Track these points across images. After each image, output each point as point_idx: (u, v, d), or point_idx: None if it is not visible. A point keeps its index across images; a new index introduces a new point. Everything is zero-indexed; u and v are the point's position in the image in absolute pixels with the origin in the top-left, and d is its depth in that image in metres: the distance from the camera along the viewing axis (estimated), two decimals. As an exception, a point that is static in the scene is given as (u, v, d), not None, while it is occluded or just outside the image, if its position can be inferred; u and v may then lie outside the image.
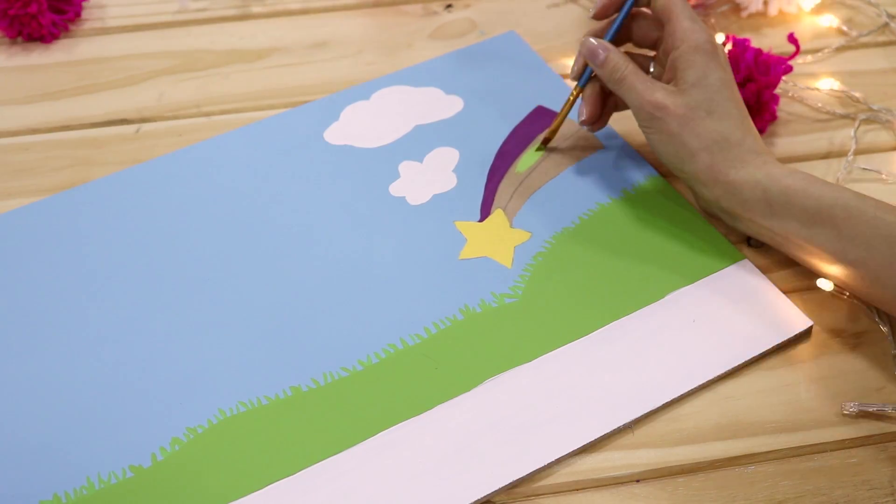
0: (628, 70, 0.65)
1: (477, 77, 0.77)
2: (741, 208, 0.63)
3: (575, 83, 0.69)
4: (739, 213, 0.63)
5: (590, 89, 0.69)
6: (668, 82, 0.65)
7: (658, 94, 0.64)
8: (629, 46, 0.70)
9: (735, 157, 0.62)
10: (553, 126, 0.70)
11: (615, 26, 0.68)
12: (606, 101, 0.69)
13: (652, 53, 0.70)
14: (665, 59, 0.67)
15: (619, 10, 0.68)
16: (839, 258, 0.60)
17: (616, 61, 0.66)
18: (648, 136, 0.65)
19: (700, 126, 0.63)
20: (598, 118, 0.69)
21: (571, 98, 0.69)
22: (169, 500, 0.55)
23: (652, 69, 0.69)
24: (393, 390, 0.59)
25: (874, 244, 0.58)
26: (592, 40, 0.67)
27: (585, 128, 0.69)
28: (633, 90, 0.65)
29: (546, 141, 0.71)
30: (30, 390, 0.60)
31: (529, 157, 0.71)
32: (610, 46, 0.66)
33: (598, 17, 0.68)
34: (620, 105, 0.70)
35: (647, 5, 0.68)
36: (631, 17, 0.69)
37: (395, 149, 0.72)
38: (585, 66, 0.68)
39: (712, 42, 0.64)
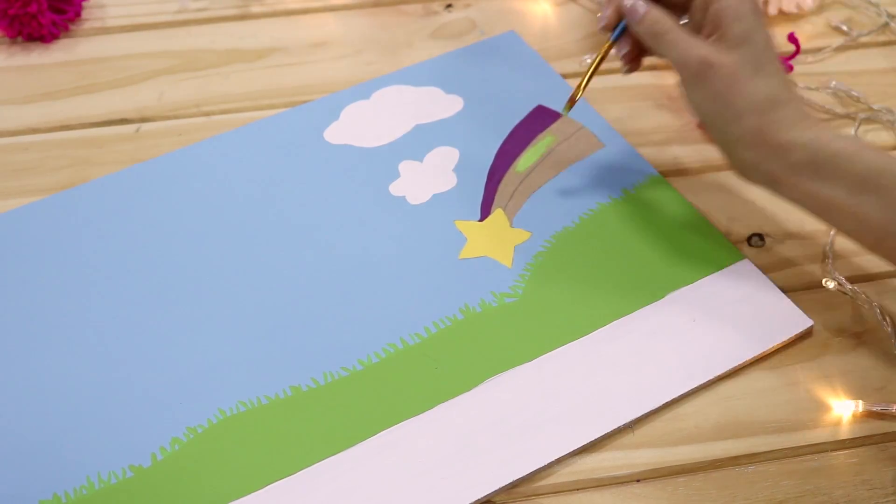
0: (668, 24, 0.62)
1: (477, 77, 0.77)
2: (786, 172, 0.59)
3: (605, 31, 0.66)
4: (783, 177, 0.60)
5: (623, 37, 0.66)
6: (708, 37, 0.62)
7: (703, 49, 0.61)
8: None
9: (783, 118, 0.59)
10: (582, 83, 0.67)
11: None
12: (641, 46, 0.66)
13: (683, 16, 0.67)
14: (700, 13, 0.64)
15: None
16: (884, 228, 0.57)
17: (656, 16, 0.63)
18: (690, 95, 0.62)
19: (748, 86, 0.60)
20: (635, 57, 0.67)
21: (603, 52, 0.66)
22: (169, 500, 0.55)
23: (683, 21, 0.65)
24: (393, 390, 0.59)
25: None
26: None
27: (624, 70, 0.67)
28: (675, 46, 0.62)
29: (572, 101, 0.67)
30: (30, 390, 0.60)
31: (529, 157, 0.71)
32: (649, 3, 0.64)
33: None
34: (649, 51, 0.67)
35: None
36: None
37: (395, 148, 0.72)
38: (618, 19, 0.66)
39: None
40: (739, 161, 0.62)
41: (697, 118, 0.64)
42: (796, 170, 0.59)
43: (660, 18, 0.63)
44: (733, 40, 0.60)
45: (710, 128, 0.63)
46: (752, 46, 0.60)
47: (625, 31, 0.66)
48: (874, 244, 0.59)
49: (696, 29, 0.64)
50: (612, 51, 0.66)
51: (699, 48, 0.61)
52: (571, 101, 0.68)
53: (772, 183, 0.61)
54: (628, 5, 0.64)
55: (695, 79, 0.61)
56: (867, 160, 0.57)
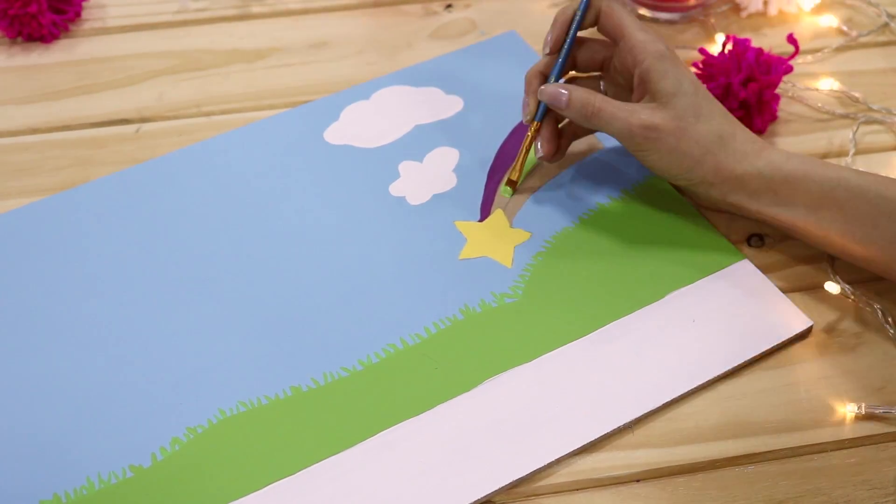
0: (599, 101, 0.64)
1: (477, 77, 0.77)
2: (748, 200, 0.63)
3: (531, 122, 0.67)
4: (747, 205, 0.63)
5: (544, 125, 0.67)
6: (639, 98, 0.64)
7: (642, 115, 0.62)
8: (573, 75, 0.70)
9: (735, 151, 0.62)
10: (517, 167, 0.68)
11: (561, 59, 0.67)
12: (563, 133, 0.69)
13: (597, 74, 0.69)
14: (620, 76, 0.67)
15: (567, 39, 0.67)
16: (847, 239, 0.60)
17: (582, 96, 0.64)
18: (644, 157, 0.64)
19: (695, 132, 0.62)
20: (556, 150, 0.68)
21: (530, 136, 0.67)
22: (169, 500, 0.55)
23: (602, 89, 0.68)
24: (393, 390, 0.59)
25: (879, 222, 0.59)
26: (549, 86, 0.66)
27: (545, 162, 0.68)
28: (614, 119, 0.63)
29: (512, 182, 0.68)
30: (30, 390, 0.60)
31: (531, 154, 0.71)
32: (568, 86, 0.65)
33: (553, 51, 0.67)
34: (580, 133, 0.70)
35: (592, 25, 0.67)
36: (574, 45, 0.68)
37: (395, 149, 0.72)
38: (538, 102, 0.67)
39: (671, 48, 0.64)
40: (706, 198, 0.65)
41: (655, 173, 0.66)
42: (756, 197, 0.62)
43: (587, 98, 0.64)
44: (665, 96, 0.63)
45: (672, 178, 0.65)
46: (684, 96, 0.63)
47: (546, 116, 0.67)
48: (841, 253, 0.62)
49: (617, 93, 0.67)
50: (533, 152, 0.68)
51: (637, 114, 0.63)
52: (513, 185, 0.69)
53: (738, 210, 0.64)
54: (549, 93, 0.66)
55: (644, 143, 0.63)
56: (820, 177, 0.61)
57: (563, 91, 0.65)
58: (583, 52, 0.68)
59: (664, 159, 0.63)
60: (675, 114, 0.62)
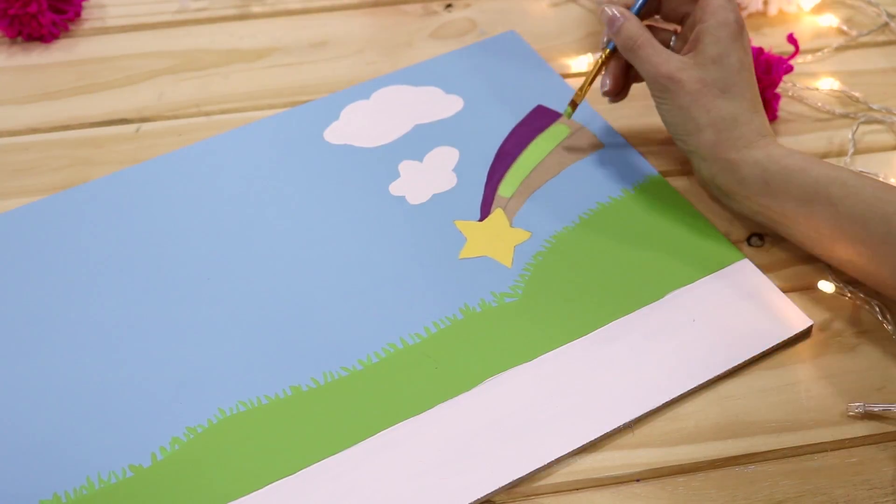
0: (643, 39, 0.65)
1: (477, 77, 0.77)
2: (738, 186, 0.63)
3: (604, 48, 0.69)
4: (736, 190, 0.63)
5: (613, 60, 0.69)
6: (687, 52, 0.65)
7: (672, 65, 0.64)
8: (654, 21, 0.71)
9: (740, 138, 0.63)
10: (583, 90, 0.70)
11: None
12: (629, 73, 0.70)
13: (675, 28, 0.70)
14: (690, 33, 0.67)
15: None
16: (836, 235, 0.60)
17: (631, 30, 0.66)
18: (658, 105, 0.66)
19: (711, 102, 0.63)
20: (621, 89, 0.70)
21: (601, 61, 0.69)
22: (169, 500, 0.55)
23: (673, 43, 0.69)
24: (393, 390, 0.59)
25: (871, 221, 0.58)
26: (610, 8, 0.67)
27: (608, 99, 0.70)
28: (647, 61, 0.65)
29: (573, 104, 0.71)
30: (30, 390, 0.60)
31: (529, 157, 0.71)
32: (628, 14, 0.67)
33: None
34: (638, 77, 0.70)
35: None
36: None
37: (395, 148, 0.72)
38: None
39: (740, 22, 0.64)
40: (698, 172, 0.66)
41: (663, 125, 0.67)
42: (747, 184, 0.63)
43: (635, 32, 0.66)
44: (706, 59, 0.63)
45: (675, 138, 0.66)
46: (722, 68, 0.63)
47: (617, 51, 0.69)
48: (826, 252, 0.62)
49: (682, 49, 0.68)
50: (598, 84, 0.70)
51: (669, 64, 0.64)
52: (573, 105, 0.71)
53: (727, 196, 0.65)
54: (609, 14, 0.67)
55: (663, 92, 0.64)
56: (816, 173, 0.60)
57: (618, 18, 0.66)
58: (669, 1, 0.69)
59: (672, 113, 0.64)
60: (703, 78, 0.63)
